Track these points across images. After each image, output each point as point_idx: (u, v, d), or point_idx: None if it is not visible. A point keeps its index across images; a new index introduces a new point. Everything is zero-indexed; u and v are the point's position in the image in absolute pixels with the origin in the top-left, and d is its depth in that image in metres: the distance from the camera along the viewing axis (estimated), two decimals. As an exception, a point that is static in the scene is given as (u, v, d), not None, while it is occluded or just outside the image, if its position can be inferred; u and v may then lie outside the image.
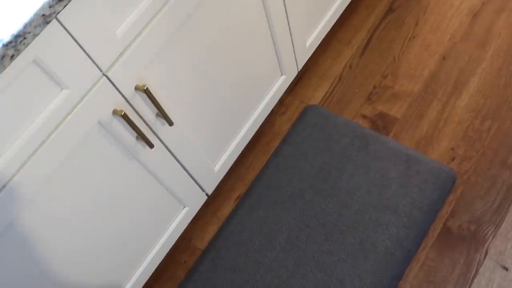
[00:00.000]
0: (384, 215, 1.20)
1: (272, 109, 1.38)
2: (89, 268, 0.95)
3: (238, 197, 1.31)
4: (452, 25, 1.43)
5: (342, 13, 1.50)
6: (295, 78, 1.44)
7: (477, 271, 1.11)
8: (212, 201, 1.31)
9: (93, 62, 0.72)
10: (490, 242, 1.14)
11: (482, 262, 1.12)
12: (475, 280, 1.11)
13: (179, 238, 1.28)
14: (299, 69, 1.32)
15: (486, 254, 1.13)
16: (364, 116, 1.35)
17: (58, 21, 0.64)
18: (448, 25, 1.43)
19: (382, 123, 1.33)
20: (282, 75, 1.26)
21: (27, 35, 0.59)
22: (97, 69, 0.73)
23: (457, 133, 1.27)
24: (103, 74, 0.75)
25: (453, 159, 1.25)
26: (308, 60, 1.45)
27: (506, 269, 1.11)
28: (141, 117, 0.86)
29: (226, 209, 1.30)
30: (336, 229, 1.20)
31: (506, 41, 1.37)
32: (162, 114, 0.87)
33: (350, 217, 1.21)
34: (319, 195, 1.25)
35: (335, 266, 1.16)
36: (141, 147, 0.89)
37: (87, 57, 0.70)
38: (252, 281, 1.18)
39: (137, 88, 0.81)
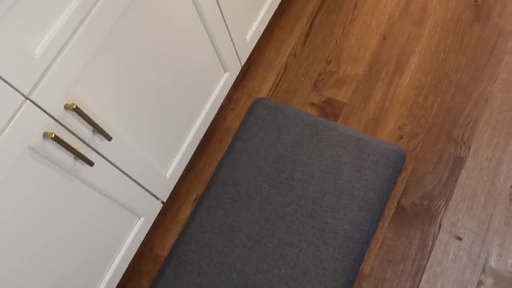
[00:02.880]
0: (341, 201, 1.21)
1: (221, 106, 1.37)
2: (43, 295, 0.92)
3: (196, 199, 1.30)
4: (390, 4, 1.44)
5: (281, 2, 1.49)
6: (240, 73, 1.43)
7: (433, 244, 1.15)
8: (170, 206, 1.30)
9: (12, 87, 0.68)
10: (443, 215, 1.17)
11: (437, 235, 1.16)
12: (432, 253, 1.14)
13: (140, 247, 1.25)
14: (242, 64, 1.30)
15: (440, 227, 1.16)
16: (312, 104, 1.35)
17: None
18: (386, 5, 1.44)
19: (330, 109, 1.34)
20: (225, 72, 1.24)
21: None
22: (18, 93, 0.69)
23: (402, 112, 1.30)
24: (26, 98, 0.71)
25: (401, 138, 1.27)
26: (252, 52, 1.44)
27: (460, 239, 1.14)
28: (76, 136, 0.83)
29: (185, 213, 1.29)
30: (295, 220, 1.21)
31: (441, 16, 1.40)
32: (98, 130, 0.84)
33: (308, 207, 1.22)
34: (276, 188, 1.25)
35: (298, 257, 1.17)
36: (80, 166, 0.86)
37: (4, 83, 0.67)
38: (217, 282, 1.18)
39: (66, 107, 0.78)
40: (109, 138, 0.86)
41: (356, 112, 1.32)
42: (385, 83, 1.34)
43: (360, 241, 1.17)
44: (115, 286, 1.13)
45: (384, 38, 1.39)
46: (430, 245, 1.15)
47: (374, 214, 1.19)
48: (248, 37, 1.27)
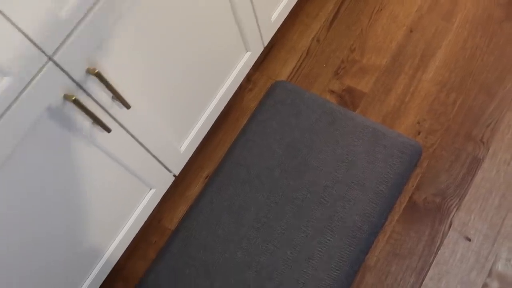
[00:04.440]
0: (352, 191, 1.20)
1: (240, 85, 1.36)
2: (56, 251, 0.94)
3: (207, 176, 1.30)
4: (420, -4, 1.41)
5: (310, -15, 1.46)
6: (262, 53, 1.42)
7: (441, 242, 1.14)
8: (181, 181, 1.30)
9: (37, 46, 0.68)
10: (454, 214, 1.16)
11: (447, 233, 1.15)
12: (440, 251, 1.13)
13: (148, 218, 1.27)
14: (265, 45, 1.29)
15: (450, 226, 1.15)
16: (332, 91, 1.34)
17: (-8, 4, 0.60)
18: (416, -4, 1.41)
19: (349, 98, 1.32)
20: (247, 51, 1.23)
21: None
22: (42, 53, 0.69)
23: (423, 107, 1.28)
24: (49, 58, 0.71)
25: (419, 133, 1.25)
26: (276, 34, 1.42)
27: (469, 240, 1.13)
28: (95, 101, 0.83)
29: (195, 189, 1.29)
30: (304, 205, 1.21)
31: (472, 12, 1.37)
32: (118, 97, 0.84)
33: (318, 194, 1.21)
34: (288, 172, 1.25)
35: (304, 242, 1.17)
36: (98, 132, 0.87)
37: (28, 41, 0.67)
38: (222, 259, 1.19)
39: (88, 72, 0.78)
40: (128, 106, 0.87)
41: (375, 103, 1.30)
42: (408, 76, 1.32)
43: (367, 232, 1.16)
44: (123, 252, 1.15)
45: (411, 31, 1.37)
46: (438, 242, 1.14)
47: (385, 206, 1.18)
48: (273, 18, 1.26)
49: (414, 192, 1.20)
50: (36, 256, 0.90)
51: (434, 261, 1.12)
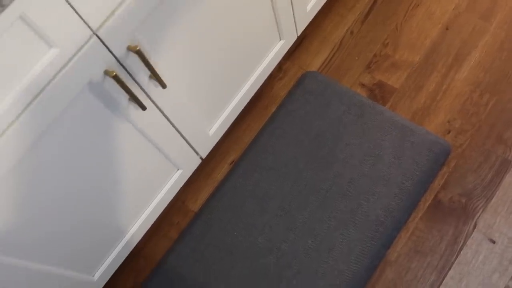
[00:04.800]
0: (377, 185, 1.20)
1: (271, 73, 1.36)
2: (84, 219, 0.97)
3: (233, 161, 1.32)
4: (459, -6, 1.39)
5: (346, -24, 1.45)
6: (295, 43, 1.41)
7: (464, 243, 1.13)
8: (207, 164, 1.32)
9: (83, 20, 0.70)
10: (480, 215, 1.15)
11: (470, 234, 1.14)
12: (462, 251, 1.12)
13: (173, 199, 1.29)
14: (299, 34, 1.29)
15: (475, 227, 1.14)
16: (362, 85, 1.33)
17: (46, -24, 0.62)
18: (454, -6, 1.39)
19: (380, 92, 1.32)
20: (280, 39, 1.23)
21: (13, -10, 0.57)
22: (87, 28, 0.71)
23: (454, 106, 1.26)
24: (94, 33, 0.73)
25: (448, 132, 1.24)
26: (309, 24, 1.42)
27: (494, 242, 1.12)
28: (133, 78, 0.85)
29: (221, 172, 1.31)
30: (328, 197, 1.21)
31: (511, 13, 1.34)
32: (155, 76, 0.85)
33: (343, 186, 1.22)
34: (314, 163, 1.25)
35: (326, 233, 1.18)
36: (133, 109, 0.89)
37: (76, 15, 0.68)
38: (243, 243, 1.20)
39: (129, 49, 0.79)
40: (164, 85, 0.88)
41: (406, 100, 1.29)
42: (441, 74, 1.30)
43: (390, 227, 1.16)
44: (146, 231, 1.17)
45: (447, 28, 1.35)
46: (461, 243, 1.13)
47: (409, 203, 1.18)
48: (309, 7, 1.26)
49: (439, 191, 1.19)
50: (66, 220, 0.93)
51: (456, 261, 1.12)
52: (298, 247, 1.18)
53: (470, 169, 1.20)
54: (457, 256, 1.12)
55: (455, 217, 1.16)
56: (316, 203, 1.21)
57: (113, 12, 0.74)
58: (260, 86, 1.26)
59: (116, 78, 0.78)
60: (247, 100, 1.24)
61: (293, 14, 1.20)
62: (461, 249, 1.13)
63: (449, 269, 1.11)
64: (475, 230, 1.14)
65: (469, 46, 1.32)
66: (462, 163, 1.20)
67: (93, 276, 1.09)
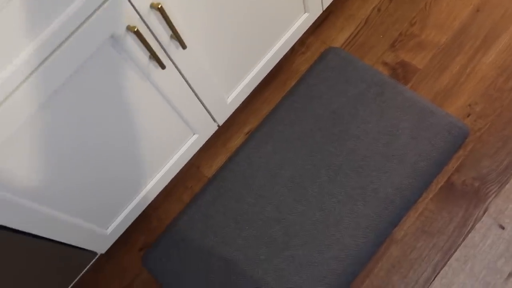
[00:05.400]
0: (390, 164, 1.20)
1: (293, 47, 1.36)
2: (105, 173, 1.01)
3: (249, 131, 1.33)
4: (493, -24, 1.35)
5: (378, -48, 1.43)
6: (320, 17, 1.41)
7: (473, 226, 1.13)
8: (223, 131, 1.34)
9: (108, -27, 0.72)
10: (492, 200, 1.14)
11: (480, 218, 1.13)
12: (470, 234, 1.12)
13: (188, 164, 1.32)
14: (324, 9, 1.28)
15: (485, 211, 1.13)
16: (385, 63, 1.32)
17: None
18: (489, -24, 1.35)
19: (402, 71, 1.30)
20: (305, 12, 1.23)
21: None
22: (112, -19, 0.73)
23: (477, 90, 1.24)
24: (118, -13, 0.75)
25: (468, 115, 1.23)
26: (336, 0, 1.41)
27: (503, 228, 1.12)
28: (154, 36, 0.87)
29: (236, 141, 1.33)
30: (340, 172, 1.22)
31: (548, -2, 1.30)
32: (176, 36, 0.87)
33: (356, 162, 1.22)
34: (328, 137, 1.26)
35: (334, 207, 1.19)
36: (153, 67, 0.91)
37: (102, -33, 0.70)
38: (252, 211, 1.23)
39: (152, 6, 0.81)
40: (184, 46, 0.90)
41: (428, 80, 1.28)
42: (467, 56, 1.28)
43: (399, 206, 1.16)
44: (160, 191, 1.21)
45: (478, 10, 1.32)
46: (470, 226, 1.13)
47: (421, 183, 1.18)
48: (336, -19, 1.25)
49: (453, 173, 1.18)
50: (86, 172, 0.97)
51: (463, 243, 1.12)
52: (306, 218, 1.20)
53: (486, 154, 1.18)
54: (464, 239, 1.12)
55: (466, 200, 1.15)
56: (327, 177, 1.22)
57: (137, -32, 0.75)
58: (282, 60, 1.27)
59: (138, 34, 0.80)
60: (267, 71, 1.25)
61: (320, -14, 1.19)
62: (469, 232, 1.12)
63: (455, 250, 1.11)
64: (485, 214, 1.13)
65: (500, 29, 1.29)
66: (479, 147, 1.19)
67: (107, 229, 1.14)
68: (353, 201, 1.19)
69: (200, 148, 1.23)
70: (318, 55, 1.37)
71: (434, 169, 1.19)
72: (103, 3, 0.75)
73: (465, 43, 1.29)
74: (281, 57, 1.26)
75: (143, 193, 1.16)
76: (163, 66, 0.89)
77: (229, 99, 1.19)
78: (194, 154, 1.23)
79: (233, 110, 1.23)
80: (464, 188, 1.17)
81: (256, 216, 1.22)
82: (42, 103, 0.77)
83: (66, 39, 0.73)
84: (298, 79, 1.34)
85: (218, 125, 1.22)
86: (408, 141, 1.21)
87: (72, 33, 0.74)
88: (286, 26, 1.21)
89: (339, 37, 1.38)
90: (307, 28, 1.27)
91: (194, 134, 1.18)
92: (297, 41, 1.26)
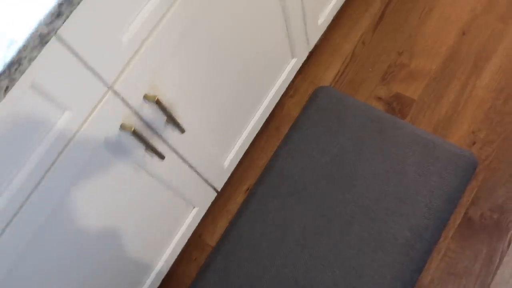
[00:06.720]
0: (403, 205, 1.14)
1: (280, 91, 1.29)
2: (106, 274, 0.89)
3: (248, 189, 1.25)
4: (471, -5, 1.32)
5: (352, -17, 1.38)
6: (303, 57, 1.34)
7: (500, 261, 1.08)
8: (221, 194, 1.25)
9: (98, 76, 0.62)
10: (514, 231, 1.10)
11: (506, 251, 1.09)
12: (498, 271, 1.08)
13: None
14: (310, 50, 1.22)
15: (510, 243, 1.09)
16: (379, 98, 1.27)
17: (57, 38, 0.53)
18: (467, -5, 1.32)
19: (398, 105, 1.25)
20: (293, 58, 1.16)
21: (22, 61, 0.49)
22: (102, 84, 0.63)
23: (477, 115, 1.21)
24: (109, 88, 0.65)
25: (473, 143, 1.19)
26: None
27: (530, 259, 1.08)
28: (149, 126, 0.77)
29: (236, 202, 1.24)
30: (353, 220, 1.15)
31: (530, 12, 1.28)
32: (173, 122, 0.78)
33: (368, 207, 1.16)
34: (334, 184, 1.19)
35: (353, 259, 1.12)
36: (149, 157, 0.81)
37: (90, 72, 0.60)
38: (267, 275, 1.14)
39: (146, 98, 0.71)
40: (182, 130, 0.81)
41: (426, 111, 1.23)
42: (461, 82, 1.24)
43: (421, 250, 1.11)
44: (165, 273, 1.10)
45: (464, 33, 1.29)
46: (497, 261, 1.08)
47: (438, 223, 1.13)
48: (320, 21, 1.18)
49: (469, 207, 1.14)
50: (91, 264, 0.85)
51: (493, 282, 1.07)
52: (326, 276, 1.12)
53: (499, 182, 1.14)
54: (493, 277, 1.07)
55: (487, 234, 1.11)
56: (340, 227, 1.15)
57: (128, 63, 0.66)
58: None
59: (134, 132, 0.70)
60: (260, 126, 1.17)
61: (306, 30, 1.13)
62: (497, 268, 1.08)
63: (488, 291, 1.06)
64: (511, 246, 1.09)
65: (489, 50, 1.26)
66: (490, 176, 1.15)
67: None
68: (372, 250, 1.12)
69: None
70: (308, 96, 1.30)
71: (449, 206, 1.14)
72: (93, 109, 0.64)
73: (456, 69, 1.26)
74: (272, 108, 1.18)
75: (152, 276, 1.05)
76: (162, 157, 0.79)
77: (226, 164, 1.10)
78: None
79: (230, 173, 1.14)
80: (483, 221, 1.12)
81: (272, 279, 1.13)
82: (46, 216, 0.66)
83: (55, 159, 0.63)
84: (291, 125, 1.27)
85: (217, 191, 1.13)
86: (417, 178, 1.16)
87: (63, 149, 0.63)
88: (276, 77, 1.14)
89: (326, 75, 1.31)
90: (295, 73, 1.20)
91: (194, 207, 1.08)
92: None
